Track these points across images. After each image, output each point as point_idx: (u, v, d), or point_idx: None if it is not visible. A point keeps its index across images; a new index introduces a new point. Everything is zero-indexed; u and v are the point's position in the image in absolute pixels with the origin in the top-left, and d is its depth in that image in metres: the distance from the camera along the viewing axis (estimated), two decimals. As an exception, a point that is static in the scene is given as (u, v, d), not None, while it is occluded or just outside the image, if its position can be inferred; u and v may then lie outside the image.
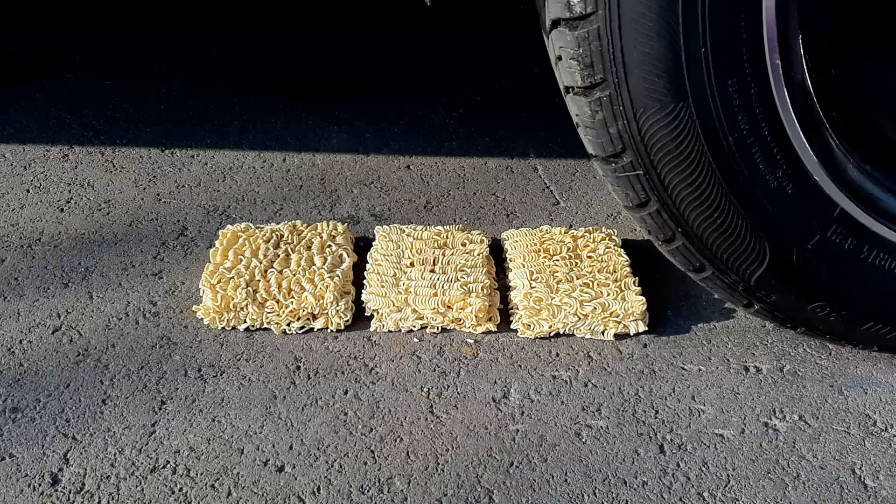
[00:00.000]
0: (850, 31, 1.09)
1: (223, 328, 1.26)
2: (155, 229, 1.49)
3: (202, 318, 1.27)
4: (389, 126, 1.81)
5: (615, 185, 1.07)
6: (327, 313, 1.27)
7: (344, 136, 1.78)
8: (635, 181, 1.05)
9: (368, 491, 1.04)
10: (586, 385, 1.20)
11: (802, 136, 1.02)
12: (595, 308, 1.25)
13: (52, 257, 1.41)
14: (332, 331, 1.27)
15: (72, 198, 1.56)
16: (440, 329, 1.27)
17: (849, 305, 1.12)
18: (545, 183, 1.63)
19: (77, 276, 1.37)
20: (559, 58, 1.00)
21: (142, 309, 1.31)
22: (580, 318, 1.25)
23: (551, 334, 1.26)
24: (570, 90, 1.01)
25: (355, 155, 1.72)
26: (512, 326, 1.27)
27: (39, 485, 1.04)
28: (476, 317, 1.25)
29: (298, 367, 1.21)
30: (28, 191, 1.58)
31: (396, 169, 1.68)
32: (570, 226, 1.49)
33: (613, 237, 1.39)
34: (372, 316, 1.28)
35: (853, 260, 1.09)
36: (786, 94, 1.00)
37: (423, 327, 1.27)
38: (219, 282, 1.28)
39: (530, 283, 1.29)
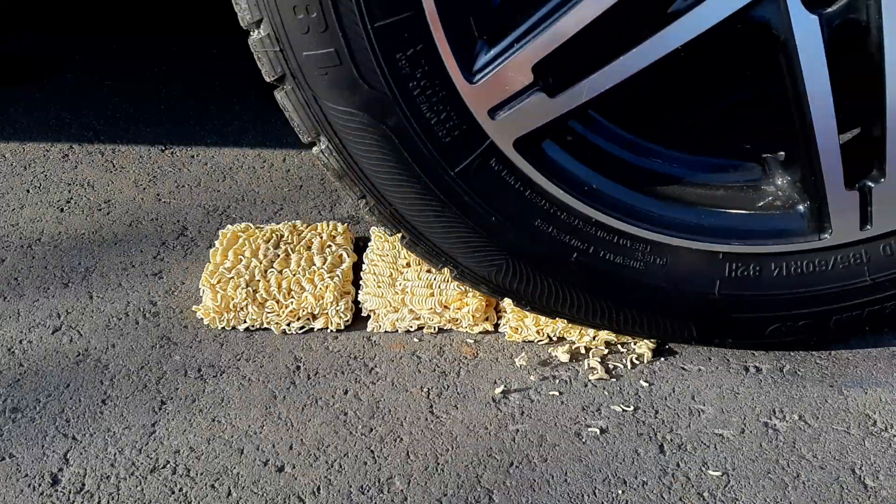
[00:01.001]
0: None
1: (223, 328, 1.27)
2: (155, 229, 1.49)
3: (202, 319, 1.27)
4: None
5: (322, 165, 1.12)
6: (327, 313, 1.27)
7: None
8: (332, 159, 1.09)
9: (368, 491, 1.04)
10: (586, 385, 1.20)
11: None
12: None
13: (52, 257, 1.41)
14: (331, 331, 1.27)
15: (72, 198, 1.56)
16: (437, 329, 1.27)
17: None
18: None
19: (77, 276, 1.37)
20: (258, 58, 1.05)
21: (142, 309, 1.31)
22: None
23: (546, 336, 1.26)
24: (272, 85, 1.07)
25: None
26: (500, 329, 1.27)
27: (39, 485, 1.04)
28: (473, 317, 1.25)
29: (298, 367, 1.21)
30: (28, 191, 1.58)
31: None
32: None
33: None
34: (370, 316, 1.28)
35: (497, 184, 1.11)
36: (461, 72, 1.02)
37: (421, 328, 1.27)
38: (219, 282, 1.28)
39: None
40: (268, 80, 1.05)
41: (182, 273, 1.38)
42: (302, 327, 1.27)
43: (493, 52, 1.04)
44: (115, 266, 1.39)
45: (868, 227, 1.10)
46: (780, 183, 1.16)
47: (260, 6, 0.99)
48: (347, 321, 1.27)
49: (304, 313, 1.27)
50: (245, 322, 1.26)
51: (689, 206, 1.15)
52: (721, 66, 1.21)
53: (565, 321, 1.23)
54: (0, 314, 1.29)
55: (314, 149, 1.10)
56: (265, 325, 1.27)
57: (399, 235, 1.15)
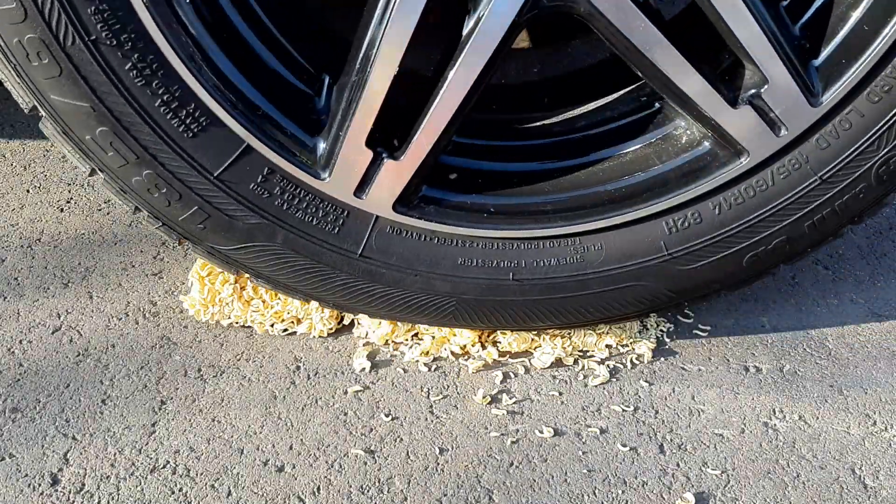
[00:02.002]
0: None
1: (207, 321, 1.26)
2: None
3: (188, 309, 1.27)
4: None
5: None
6: (311, 319, 1.26)
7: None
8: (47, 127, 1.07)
9: (368, 491, 1.04)
10: (586, 385, 1.20)
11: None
12: None
13: (52, 257, 1.41)
14: (332, 329, 1.27)
15: (72, 198, 1.56)
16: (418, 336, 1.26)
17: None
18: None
19: (77, 276, 1.37)
20: None
21: (142, 309, 1.31)
22: None
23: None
24: None
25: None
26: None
27: (39, 485, 1.04)
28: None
29: (298, 367, 1.21)
30: (28, 191, 1.58)
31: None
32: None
33: None
34: (353, 324, 1.27)
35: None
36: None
37: (415, 334, 1.26)
38: (208, 274, 1.27)
39: None
40: None
41: (182, 273, 1.38)
42: (285, 330, 1.26)
43: (326, 146, 1.09)
44: (115, 266, 1.39)
45: (783, 131, 1.09)
46: (683, 125, 1.16)
47: None
48: (331, 329, 1.26)
49: (289, 316, 1.26)
50: (229, 318, 1.26)
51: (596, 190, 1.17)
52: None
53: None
54: (0, 314, 1.29)
55: None
56: (248, 324, 1.26)
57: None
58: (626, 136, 1.21)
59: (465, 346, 1.23)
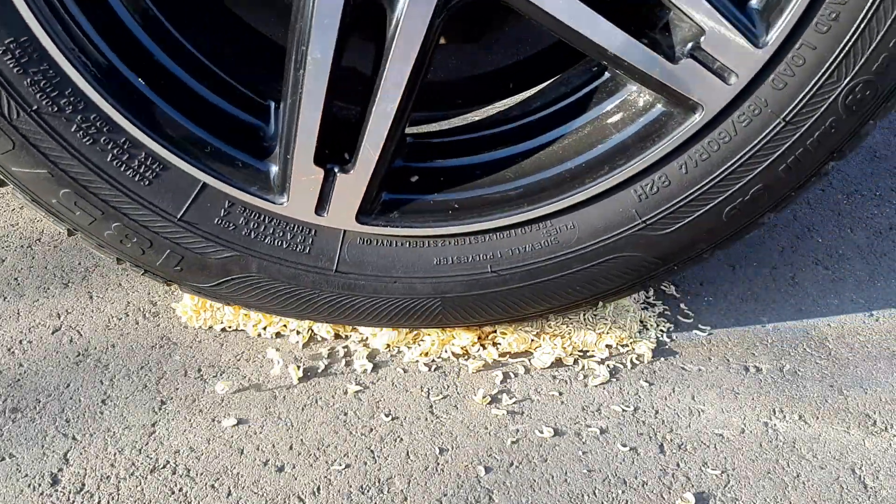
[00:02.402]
0: None
1: (200, 326, 1.26)
2: (155, 229, 1.49)
3: (181, 316, 1.27)
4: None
5: None
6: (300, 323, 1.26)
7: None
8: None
9: (368, 491, 1.04)
10: (586, 385, 1.20)
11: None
12: None
13: (52, 257, 1.41)
14: (329, 331, 1.26)
15: (72, 198, 1.56)
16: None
17: None
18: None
19: (77, 276, 1.37)
20: None
21: (142, 309, 1.31)
22: None
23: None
24: None
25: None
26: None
27: (39, 485, 1.04)
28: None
29: (298, 368, 1.21)
30: (28, 191, 1.58)
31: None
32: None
33: None
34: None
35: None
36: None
37: (415, 335, 1.26)
38: None
39: None
40: None
41: (182, 273, 1.38)
42: (278, 333, 1.26)
43: (278, 171, 1.10)
44: (115, 266, 1.39)
45: (733, 79, 1.06)
46: (635, 89, 1.14)
47: None
48: (320, 334, 1.26)
49: (279, 319, 1.26)
50: (222, 322, 1.26)
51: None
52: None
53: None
54: (0, 314, 1.29)
55: None
56: (241, 328, 1.26)
57: None
58: (582, 110, 1.19)
59: (465, 346, 1.23)
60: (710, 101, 1.07)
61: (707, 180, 1.11)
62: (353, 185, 1.09)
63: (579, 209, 1.13)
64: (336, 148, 1.09)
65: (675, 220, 1.13)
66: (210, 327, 1.26)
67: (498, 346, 1.24)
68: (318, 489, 1.05)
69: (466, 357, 1.23)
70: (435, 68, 1.29)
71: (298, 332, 1.25)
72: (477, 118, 1.28)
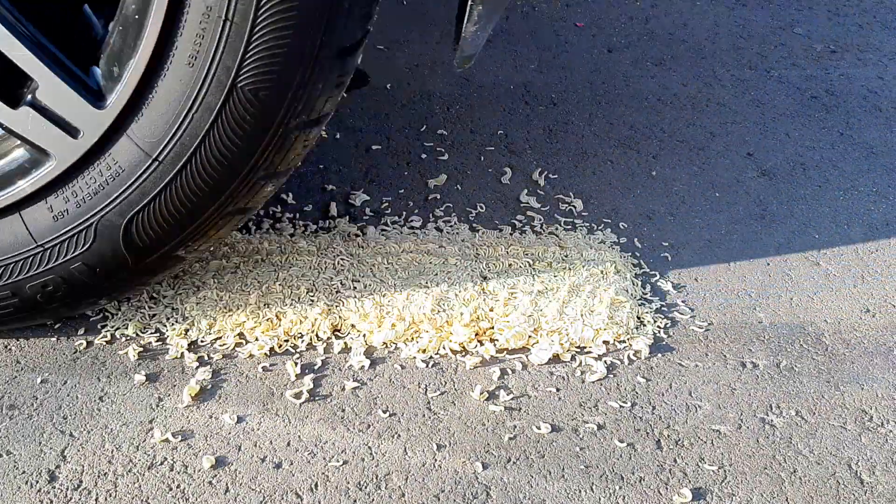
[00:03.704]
0: None
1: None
2: (152, 226, 1.48)
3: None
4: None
5: None
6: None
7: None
8: None
9: (366, 487, 1.05)
10: (583, 381, 1.20)
11: None
12: None
13: (49, 254, 1.41)
14: (327, 329, 1.26)
15: (68, 194, 1.56)
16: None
17: None
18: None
19: (74, 273, 1.37)
20: None
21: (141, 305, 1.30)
22: None
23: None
24: None
25: (354, 150, 1.72)
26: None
27: (37, 482, 1.04)
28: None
29: (296, 364, 1.21)
30: (24, 187, 1.58)
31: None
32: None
33: None
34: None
35: None
36: None
37: (414, 331, 1.27)
38: None
39: None
40: None
41: (182, 271, 1.38)
42: (275, 331, 1.26)
43: None
44: (112, 263, 1.39)
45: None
46: None
47: None
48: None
49: (276, 319, 1.26)
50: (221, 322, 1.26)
51: None
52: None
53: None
54: (-3, 311, 1.29)
55: None
56: (240, 327, 1.26)
57: None
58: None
59: (462, 342, 1.23)
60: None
61: None
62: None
63: None
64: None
65: None
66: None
67: (495, 342, 1.24)
68: (316, 485, 1.05)
69: (464, 353, 1.23)
70: None
71: (299, 334, 1.26)
72: None
